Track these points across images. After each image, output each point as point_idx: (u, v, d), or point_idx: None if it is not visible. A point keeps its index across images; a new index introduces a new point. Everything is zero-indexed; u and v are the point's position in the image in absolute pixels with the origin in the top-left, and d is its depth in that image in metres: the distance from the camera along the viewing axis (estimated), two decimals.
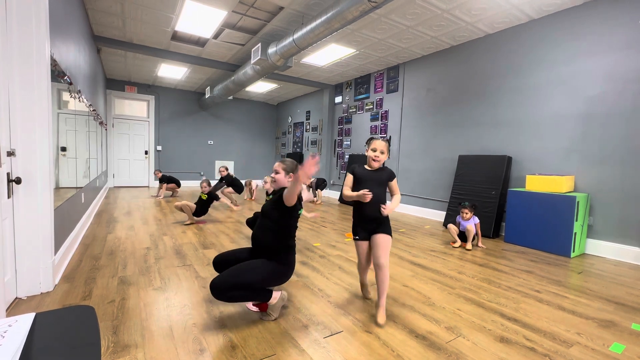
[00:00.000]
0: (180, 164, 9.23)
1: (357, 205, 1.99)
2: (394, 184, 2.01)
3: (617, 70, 3.37)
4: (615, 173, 3.38)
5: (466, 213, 3.66)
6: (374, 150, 1.97)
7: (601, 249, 3.45)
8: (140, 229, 3.97)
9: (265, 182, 4.03)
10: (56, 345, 0.54)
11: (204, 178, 4.89)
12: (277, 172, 2.00)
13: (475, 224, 3.64)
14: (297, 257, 3.07)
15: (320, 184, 6.70)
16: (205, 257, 2.95)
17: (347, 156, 7.40)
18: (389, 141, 2.23)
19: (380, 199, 1.92)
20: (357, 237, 2.00)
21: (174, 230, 3.93)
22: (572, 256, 3.37)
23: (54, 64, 2.26)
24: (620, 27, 3.35)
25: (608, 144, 3.43)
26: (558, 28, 3.83)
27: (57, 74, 2.42)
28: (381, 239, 1.89)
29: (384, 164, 2.04)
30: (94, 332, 0.60)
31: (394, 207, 1.92)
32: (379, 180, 1.97)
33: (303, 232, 4.09)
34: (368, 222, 1.95)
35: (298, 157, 9.20)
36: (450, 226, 3.74)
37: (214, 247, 3.30)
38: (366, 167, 2.03)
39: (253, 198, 6.94)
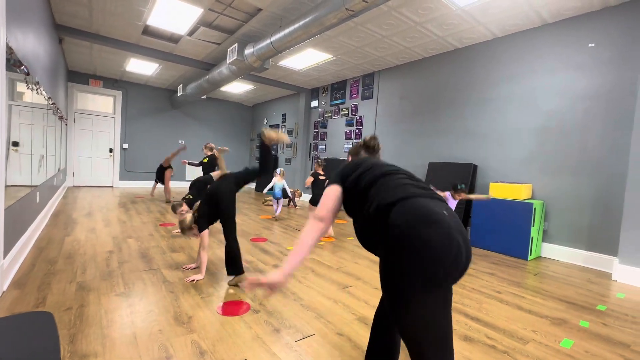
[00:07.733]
0: (148, 164, 8.81)
1: None
2: None
3: (570, 88, 3.68)
4: (568, 182, 3.68)
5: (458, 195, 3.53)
6: None
7: (555, 252, 3.73)
8: (102, 231, 3.74)
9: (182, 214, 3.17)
10: (13, 352, 0.51)
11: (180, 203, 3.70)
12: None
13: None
14: (270, 260, 3.04)
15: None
16: (173, 261, 2.84)
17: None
18: None
19: None
20: None
21: (140, 233, 3.74)
22: (529, 259, 3.61)
23: (9, 52, 2.09)
24: (572, 49, 3.67)
25: (562, 155, 3.73)
26: (519, 46, 4.12)
27: (13, 62, 2.24)
28: None
29: None
30: (53, 338, 0.57)
31: None
32: None
33: (276, 236, 4.06)
34: None
35: (273, 159, 9.12)
36: None
37: (183, 250, 3.18)
38: None
39: None
